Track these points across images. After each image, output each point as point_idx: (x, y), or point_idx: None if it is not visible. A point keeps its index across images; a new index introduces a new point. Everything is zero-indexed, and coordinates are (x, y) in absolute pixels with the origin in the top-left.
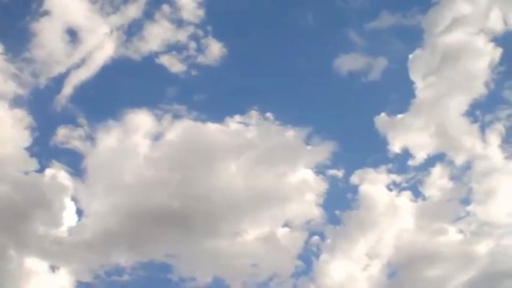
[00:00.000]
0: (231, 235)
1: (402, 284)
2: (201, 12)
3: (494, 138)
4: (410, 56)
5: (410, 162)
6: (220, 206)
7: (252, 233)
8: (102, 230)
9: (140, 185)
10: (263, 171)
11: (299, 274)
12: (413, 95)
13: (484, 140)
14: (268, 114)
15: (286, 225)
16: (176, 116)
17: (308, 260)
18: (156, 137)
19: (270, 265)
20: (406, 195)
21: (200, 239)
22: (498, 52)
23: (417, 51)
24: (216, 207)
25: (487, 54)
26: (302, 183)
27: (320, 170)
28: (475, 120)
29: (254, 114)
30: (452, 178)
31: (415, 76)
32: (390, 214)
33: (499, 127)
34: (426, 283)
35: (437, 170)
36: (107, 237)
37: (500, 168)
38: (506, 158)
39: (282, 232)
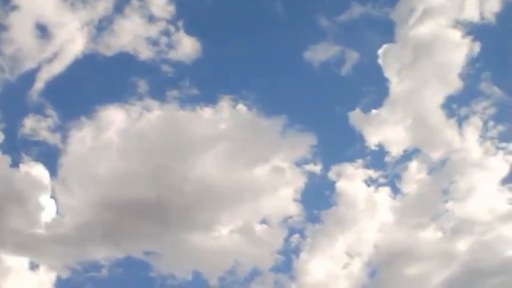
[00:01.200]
0: (208, 230)
1: (383, 281)
2: (171, 8)
3: (471, 133)
4: (382, 49)
5: (387, 158)
6: (196, 199)
7: (230, 228)
8: (78, 225)
9: (115, 179)
10: (238, 163)
11: (279, 269)
12: (387, 90)
13: (461, 134)
14: (241, 106)
15: (263, 221)
16: (149, 110)
17: (288, 257)
18: (129, 131)
19: (250, 261)
20: (384, 191)
21: (177, 234)
22: (473, 44)
23: (389, 44)
24: (192, 200)
25: (462, 46)
26: (278, 176)
27: (297, 164)
28: (452, 114)
29: (227, 105)
30: (430, 173)
31: (388, 70)
32: (369, 211)
33: (477, 121)
34: (407, 281)
35: (414, 166)
36: (83, 233)
37: (479, 163)
38: (485, 153)
39: (260, 228)
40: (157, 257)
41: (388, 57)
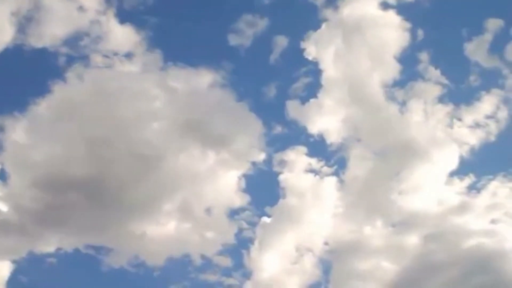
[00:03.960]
0: (153, 218)
1: (336, 277)
2: None
3: (414, 117)
4: (311, 34)
5: (330, 148)
6: (136, 181)
7: (174, 217)
8: (19, 213)
9: (54, 163)
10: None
11: (228, 252)
12: (320, 77)
13: (403, 119)
14: (177, 85)
15: (208, 210)
16: (80, 92)
17: (238, 254)
18: (59, 113)
19: (197, 251)
20: (330, 181)
21: (122, 223)
22: (407, 24)
23: (318, 29)
24: (131, 182)
25: (395, 27)
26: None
27: (240, 151)
28: (392, 98)
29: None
30: (375, 162)
31: (320, 56)
32: (316, 203)
33: (418, 104)
34: (361, 276)
35: (358, 155)
36: (26, 221)
37: (423, 149)
38: (431, 138)
39: (205, 217)
40: (106, 251)
41: (319, 43)
